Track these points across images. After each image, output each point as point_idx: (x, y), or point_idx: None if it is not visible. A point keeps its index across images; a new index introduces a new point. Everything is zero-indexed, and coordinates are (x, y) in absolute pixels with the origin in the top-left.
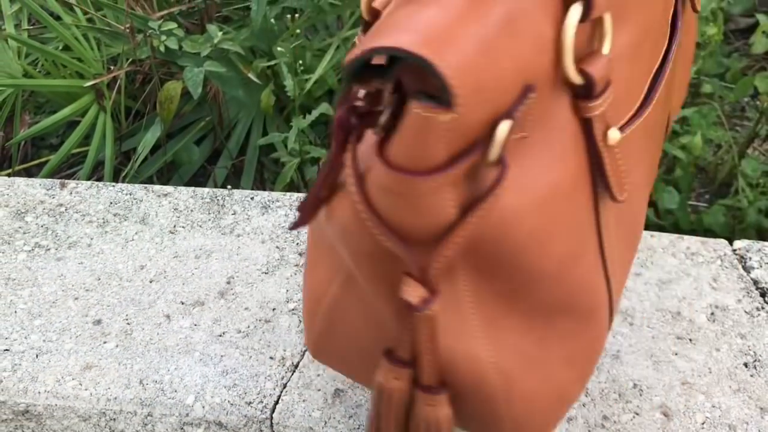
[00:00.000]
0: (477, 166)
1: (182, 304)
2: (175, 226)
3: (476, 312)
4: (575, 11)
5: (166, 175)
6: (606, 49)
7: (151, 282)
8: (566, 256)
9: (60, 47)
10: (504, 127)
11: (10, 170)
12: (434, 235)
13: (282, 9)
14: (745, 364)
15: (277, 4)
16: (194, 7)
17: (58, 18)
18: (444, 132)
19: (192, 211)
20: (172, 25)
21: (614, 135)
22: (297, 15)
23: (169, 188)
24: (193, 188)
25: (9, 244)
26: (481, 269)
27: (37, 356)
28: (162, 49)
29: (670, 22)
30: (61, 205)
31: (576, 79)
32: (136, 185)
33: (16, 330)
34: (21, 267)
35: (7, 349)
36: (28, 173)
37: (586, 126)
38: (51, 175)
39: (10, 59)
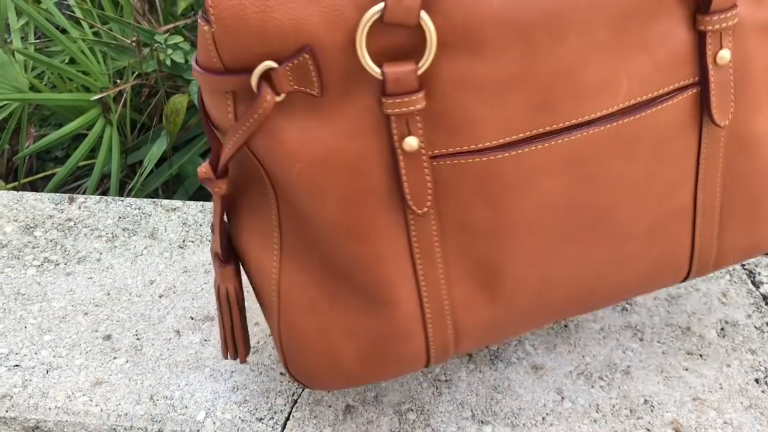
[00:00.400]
0: (251, 93)
1: (192, 319)
2: (184, 241)
3: (278, 233)
4: (375, 8)
5: (172, 187)
6: (424, 63)
7: (160, 297)
8: (344, 227)
9: (66, 60)
10: (264, 64)
11: (15, 183)
12: (225, 131)
13: None
14: (756, 380)
15: None
16: None
17: (64, 31)
18: (211, 43)
19: (201, 225)
20: (178, 39)
21: (410, 143)
22: None
23: (177, 202)
24: (201, 203)
25: (18, 258)
26: (283, 196)
27: (47, 372)
28: (168, 62)
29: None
30: (69, 219)
31: (371, 70)
32: (145, 200)
33: (26, 345)
34: (30, 282)
35: (17, 365)
36: (34, 186)
37: (389, 122)
38: (57, 188)
39: (17, 72)
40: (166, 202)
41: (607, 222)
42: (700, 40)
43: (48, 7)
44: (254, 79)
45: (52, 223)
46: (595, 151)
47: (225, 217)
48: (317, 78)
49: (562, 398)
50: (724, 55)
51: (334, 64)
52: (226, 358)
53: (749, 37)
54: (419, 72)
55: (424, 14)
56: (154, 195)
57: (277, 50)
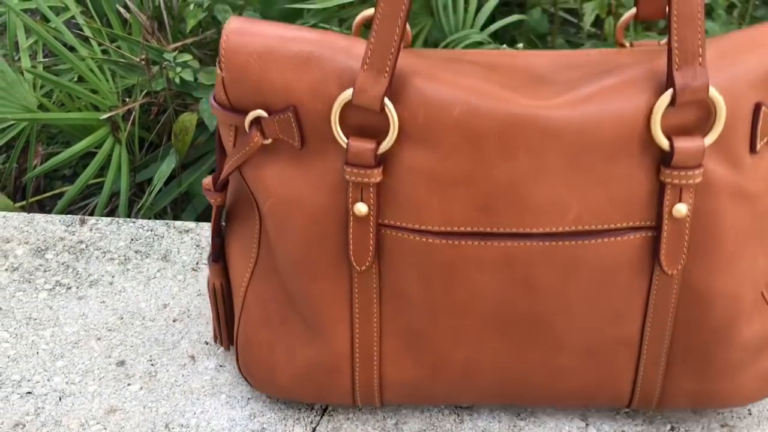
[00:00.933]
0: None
1: (207, 344)
2: (197, 263)
3: (257, 247)
4: (348, 93)
5: (180, 205)
6: (385, 146)
7: (174, 321)
8: (298, 263)
9: (75, 79)
10: (255, 112)
11: (24, 202)
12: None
13: None
14: None
15: None
16: (208, 38)
17: (72, 49)
18: (221, 84)
19: None
20: (187, 57)
21: (360, 209)
22: None
23: (190, 224)
24: None
25: (30, 282)
26: (262, 220)
27: (60, 399)
28: (177, 80)
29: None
30: (81, 242)
31: (339, 140)
32: (158, 221)
33: (39, 372)
34: (42, 306)
35: (29, 392)
36: (42, 205)
37: (348, 186)
38: (66, 207)
39: (26, 91)
40: (178, 223)
41: (541, 329)
42: (660, 189)
43: (57, 25)
44: (246, 121)
45: (64, 246)
46: (532, 262)
47: (222, 221)
48: (298, 133)
49: (587, 425)
50: (681, 209)
51: (314, 126)
52: (216, 344)
53: (720, 198)
54: (379, 152)
55: (389, 103)
56: (162, 213)
57: (270, 103)
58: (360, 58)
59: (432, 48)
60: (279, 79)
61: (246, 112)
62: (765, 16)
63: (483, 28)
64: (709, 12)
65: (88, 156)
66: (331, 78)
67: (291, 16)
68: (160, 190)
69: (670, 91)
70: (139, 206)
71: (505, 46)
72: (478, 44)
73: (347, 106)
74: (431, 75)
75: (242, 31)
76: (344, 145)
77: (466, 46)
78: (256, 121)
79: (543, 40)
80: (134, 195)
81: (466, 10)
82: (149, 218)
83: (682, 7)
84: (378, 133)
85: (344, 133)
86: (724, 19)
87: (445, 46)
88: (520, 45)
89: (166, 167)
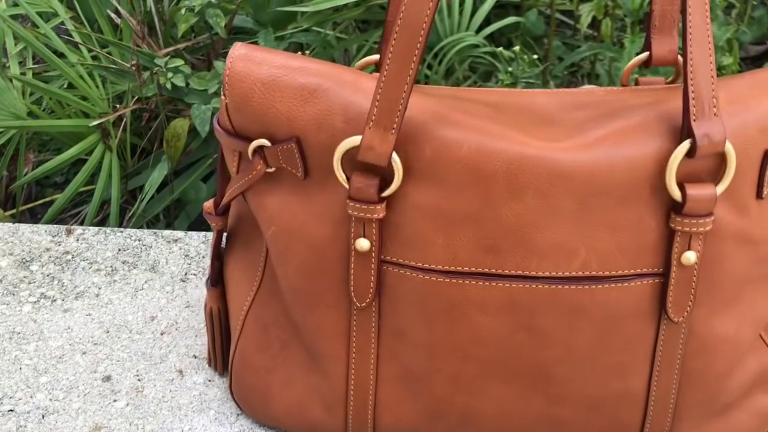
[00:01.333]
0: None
1: (195, 357)
2: (186, 274)
3: (262, 271)
4: (352, 141)
5: (173, 213)
6: (389, 190)
7: (162, 334)
8: (298, 292)
9: (65, 85)
10: (258, 141)
11: (14, 210)
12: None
13: (289, 44)
14: None
15: (285, 39)
16: (200, 43)
17: (62, 56)
18: (224, 110)
19: (204, 257)
20: (179, 62)
21: (362, 244)
22: (305, 50)
23: (179, 233)
24: (204, 233)
25: (14, 295)
26: (269, 245)
27: (43, 417)
28: (169, 86)
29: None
30: (67, 252)
31: (340, 179)
32: (146, 231)
33: (21, 388)
34: (26, 319)
35: (11, 410)
36: (33, 213)
37: (350, 220)
38: (56, 215)
39: (15, 98)
40: (167, 232)
41: (544, 377)
42: (669, 235)
43: (46, 31)
44: (250, 150)
45: (49, 257)
46: (537, 305)
47: (223, 243)
48: (302, 164)
49: None
50: (690, 257)
51: (317, 157)
52: (210, 367)
53: (726, 243)
54: (383, 194)
55: (395, 157)
56: (155, 221)
57: (273, 132)
58: (366, 93)
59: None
60: (283, 110)
61: (250, 139)
62: (763, 16)
63: (478, 30)
64: None
65: (80, 164)
66: (337, 111)
67: (284, 19)
68: (152, 197)
69: (688, 142)
70: (130, 214)
71: (501, 49)
72: (474, 47)
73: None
74: (439, 114)
75: (247, 58)
76: (346, 186)
77: (462, 49)
78: (260, 149)
79: (539, 42)
80: (126, 203)
81: (461, 12)
82: (141, 226)
83: (697, 48)
84: (383, 169)
85: (349, 167)
86: (722, 20)
87: (441, 49)
88: (517, 48)
89: (158, 174)
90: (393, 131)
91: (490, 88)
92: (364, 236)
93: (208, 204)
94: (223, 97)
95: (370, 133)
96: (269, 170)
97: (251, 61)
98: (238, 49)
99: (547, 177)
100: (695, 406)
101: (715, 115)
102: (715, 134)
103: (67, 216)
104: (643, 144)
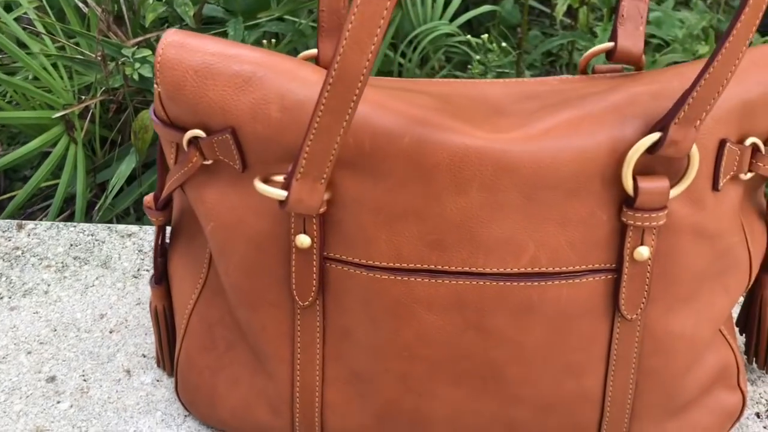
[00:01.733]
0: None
1: (144, 357)
2: (138, 270)
3: (207, 268)
4: (282, 193)
5: (142, 207)
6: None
7: (111, 332)
8: (240, 291)
9: (30, 77)
10: (192, 132)
11: None
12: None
13: (262, 33)
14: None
15: (257, 28)
16: None
17: (25, 47)
18: (158, 99)
19: None
20: (147, 52)
21: (302, 240)
22: (277, 39)
23: (134, 228)
24: None
25: None
26: (209, 241)
27: None
28: (136, 77)
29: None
30: (17, 248)
31: (276, 194)
32: (100, 225)
33: None
34: None
35: None
36: (2, 207)
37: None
38: (20, 209)
39: None
40: (121, 227)
41: (496, 377)
42: (621, 230)
43: (6, 20)
44: (184, 141)
45: None
46: (485, 303)
47: (167, 239)
48: (239, 156)
49: None
50: (643, 252)
51: (255, 149)
52: (159, 367)
53: (681, 238)
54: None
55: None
56: (124, 215)
57: (207, 123)
58: (304, 82)
59: (383, 77)
60: (217, 98)
61: (185, 129)
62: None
63: (453, 19)
64: (686, 1)
65: (48, 156)
66: (272, 99)
67: (256, 8)
68: (121, 190)
69: (656, 135)
70: (97, 208)
71: (469, 37)
72: (448, 36)
73: (290, 136)
74: (380, 103)
75: (179, 45)
76: (282, 199)
77: (436, 38)
78: (195, 140)
79: (515, 31)
80: (95, 196)
81: (434, 1)
82: (110, 221)
83: (727, 58)
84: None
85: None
86: (701, 7)
87: (414, 38)
88: (485, 36)
89: (125, 167)
90: (322, 181)
91: (444, 80)
92: (304, 232)
93: (148, 198)
94: (156, 85)
95: (299, 186)
96: (206, 162)
97: (184, 48)
98: (171, 36)
99: (493, 170)
100: (653, 405)
101: (695, 128)
102: (685, 143)
103: (37, 210)
104: (593, 135)
